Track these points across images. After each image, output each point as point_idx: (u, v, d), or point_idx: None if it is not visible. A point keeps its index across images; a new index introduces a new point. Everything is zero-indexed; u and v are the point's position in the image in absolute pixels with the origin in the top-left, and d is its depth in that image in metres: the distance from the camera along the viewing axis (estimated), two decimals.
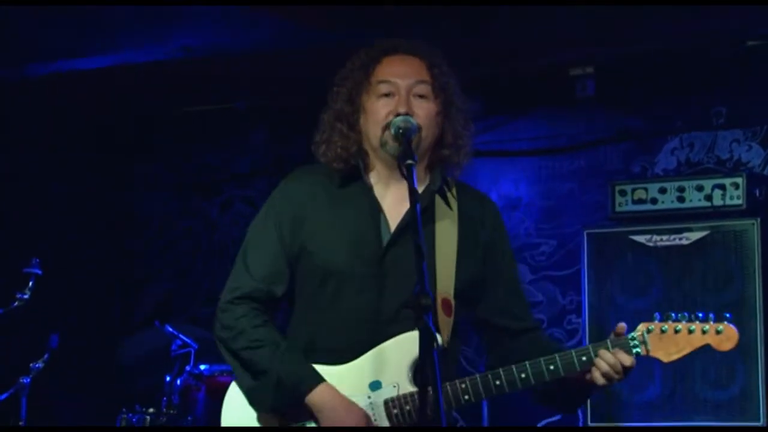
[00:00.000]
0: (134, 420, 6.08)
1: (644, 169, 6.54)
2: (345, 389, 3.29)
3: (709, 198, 5.55)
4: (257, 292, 3.40)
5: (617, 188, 5.79)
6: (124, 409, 6.14)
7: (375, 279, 3.33)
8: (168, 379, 6.14)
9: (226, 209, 7.87)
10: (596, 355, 3.29)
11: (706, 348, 3.27)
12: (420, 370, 2.89)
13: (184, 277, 7.91)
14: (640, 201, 5.72)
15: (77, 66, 6.62)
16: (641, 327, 3.30)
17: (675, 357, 3.29)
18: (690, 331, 3.28)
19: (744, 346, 5.30)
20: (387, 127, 3.34)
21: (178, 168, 8.03)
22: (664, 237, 5.54)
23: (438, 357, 3.02)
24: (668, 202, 5.65)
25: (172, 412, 6.06)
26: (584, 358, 3.29)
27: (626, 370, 3.28)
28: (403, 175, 3.16)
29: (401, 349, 3.27)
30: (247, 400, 3.36)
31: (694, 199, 5.59)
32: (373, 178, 3.47)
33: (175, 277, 7.95)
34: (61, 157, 7.62)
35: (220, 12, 6.09)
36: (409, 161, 3.16)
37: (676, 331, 3.28)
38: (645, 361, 5.37)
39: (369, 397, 3.29)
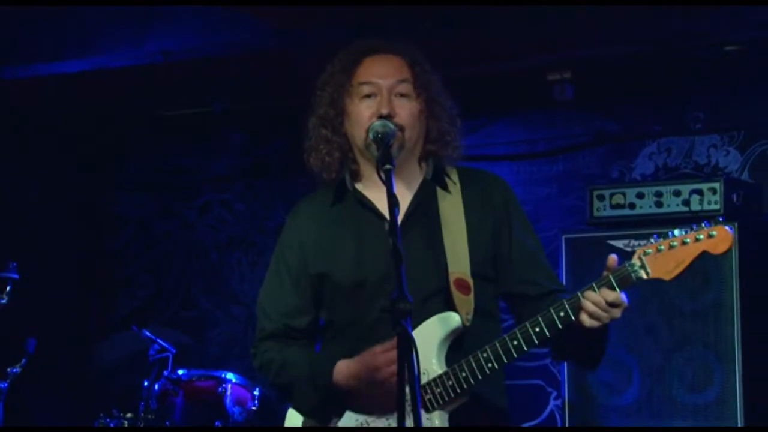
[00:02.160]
0: (112, 425, 6.06)
1: (622, 173, 6.56)
2: None
3: (686, 203, 5.55)
4: (277, 330, 3.52)
5: (595, 193, 5.79)
6: (101, 414, 6.12)
7: (388, 281, 3.29)
8: (146, 383, 6.13)
9: (204, 212, 7.86)
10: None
11: (705, 260, 3.20)
12: (399, 374, 2.91)
13: (162, 281, 7.89)
14: (618, 206, 5.72)
15: (56, 69, 6.61)
16: (638, 251, 3.25)
17: (676, 272, 3.23)
18: (684, 243, 3.22)
19: (721, 350, 5.33)
20: (368, 130, 3.35)
21: (156, 171, 8.01)
22: (642, 242, 5.53)
23: (462, 336, 3.30)
24: (646, 207, 5.66)
25: (149, 417, 6.04)
26: (576, 304, 3.28)
27: (611, 305, 3.23)
28: (381, 179, 3.18)
29: (424, 337, 3.30)
30: (304, 418, 3.46)
31: (672, 204, 5.60)
32: (366, 181, 3.50)
33: (153, 280, 7.92)
34: (38, 160, 7.59)
35: (198, 14, 6.08)
36: (387, 166, 3.19)
37: (672, 247, 3.22)
38: (622, 364, 5.46)
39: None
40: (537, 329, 3.27)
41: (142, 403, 6.08)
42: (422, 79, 3.47)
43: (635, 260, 3.25)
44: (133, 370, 6.30)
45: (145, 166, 8.05)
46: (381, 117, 3.36)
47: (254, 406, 6.06)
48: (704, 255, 3.22)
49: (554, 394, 6.49)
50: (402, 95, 3.42)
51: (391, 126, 3.33)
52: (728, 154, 6.32)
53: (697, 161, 6.40)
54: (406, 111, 3.40)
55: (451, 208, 3.47)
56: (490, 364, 3.29)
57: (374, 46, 3.52)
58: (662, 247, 3.23)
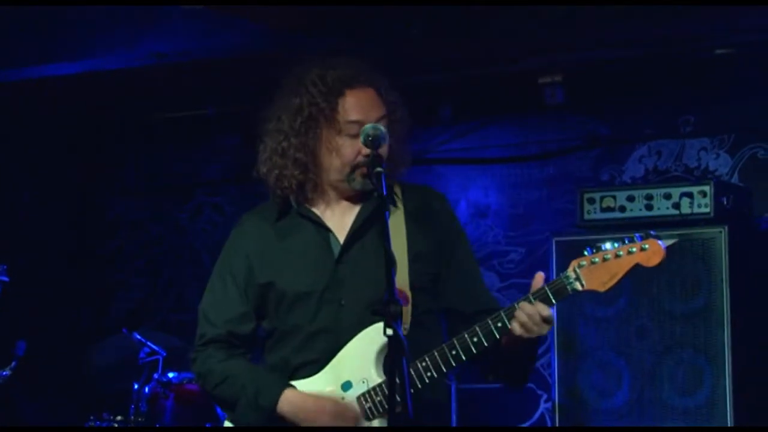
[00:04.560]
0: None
1: (612, 176, 6.57)
2: None
3: (677, 206, 5.55)
4: (220, 336, 3.55)
5: (586, 196, 5.79)
6: (92, 417, 6.12)
7: (333, 289, 3.44)
8: (136, 386, 6.13)
9: (196, 216, 7.86)
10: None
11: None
12: (388, 374, 2.98)
13: (153, 284, 7.89)
14: (609, 209, 5.72)
15: (48, 72, 6.60)
16: (573, 264, 3.31)
17: (610, 284, 3.29)
18: (618, 256, 3.27)
19: (711, 353, 5.33)
20: (357, 166, 3.41)
21: (149, 174, 8.01)
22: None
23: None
24: (636, 210, 5.66)
25: (140, 419, 6.04)
26: (513, 314, 3.33)
27: (544, 319, 3.28)
28: (372, 182, 3.25)
29: (363, 345, 3.36)
30: None
31: (662, 207, 5.60)
32: (318, 203, 3.56)
33: (145, 283, 7.92)
34: (31, 163, 7.59)
35: (191, 17, 6.08)
36: (378, 169, 3.25)
37: (605, 260, 3.27)
38: (612, 367, 5.48)
39: (343, 398, 3.39)
40: (475, 339, 3.32)
41: (133, 406, 6.08)
42: (396, 114, 3.55)
43: (570, 272, 3.30)
44: (123, 373, 6.30)
45: (137, 169, 8.05)
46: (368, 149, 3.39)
47: None
48: (637, 267, 3.28)
49: (544, 396, 6.50)
50: None
51: (382, 129, 3.37)
52: (718, 158, 6.34)
53: (687, 164, 6.41)
54: (385, 147, 3.45)
55: (393, 221, 3.49)
56: (429, 373, 3.34)
57: (354, 77, 3.54)
58: (596, 259, 3.29)
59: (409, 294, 3.43)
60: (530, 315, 3.28)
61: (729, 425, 5.26)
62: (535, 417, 6.59)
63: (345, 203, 3.52)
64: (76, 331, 7.74)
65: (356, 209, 3.53)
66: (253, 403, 3.42)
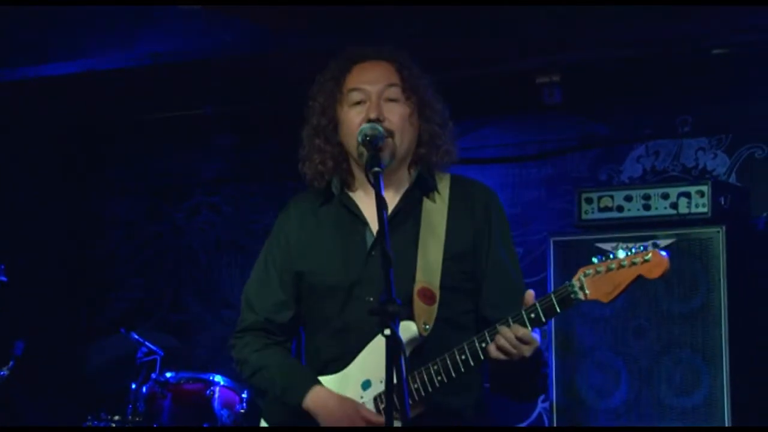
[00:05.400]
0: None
1: (610, 176, 6.57)
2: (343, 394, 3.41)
3: (674, 206, 5.55)
4: (257, 324, 3.57)
5: (584, 196, 5.79)
6: (89, 417, 6.12)
7: (362, 285, 3.42)
8: (133, 386, 6.13)
9: (193, 215, 7.85)
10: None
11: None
12: (386, 377, 2.96)
13: (151, 284, 7.88)
14: (606, 209, 5.72)
15: (43, 72, 6.59)
16: (579, 272, 3.30)
17: (614, 295, 3.29)
18: (621, 266, 3.26)
19: (709, 353, 5.33)
20: (364, 142, 3.36)
21: (146, 174, 8.01)
22: (630, 245, 5.54)
23: (422, 345, 3.30)
24: (634, 210, 5.66)
25: (137, 419, 6.04)
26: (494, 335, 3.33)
27: (520, 339, 3.26)
28: (369, 182, 3.22)
29: (382, 345, 3.30)
30: (266, 422, 3.55)
31: (660, 207, 5.60)
32: (358, 189, 3.53)
33: (142, 283, 7.91)
34: (27, 164, 7.58)
35: (188, 17, 6.08)
36: (376, 169, 3.23)
37: (609, 270, 3.27)
38: (610, 367, 5.47)
39: (362, 397, 3.39)
40: (483, 345, 3.31)
41: (130, 406, 6.08)
42: (411, 82, 3.49)
43: (575, 281, 3.29)
44: (121, 372, 6.30)
45: (134, 168, 8.04)
46: (370, 121, 3.38)
47: (242, 408, 6.07)
48: (640, 279, 3.28)
49: (542, 396, 6.50)
50: (391, 99, 3.44)
51: (380, 129, 3.35)
52: (716, 157, 6.34)
53: (685, 164, 6.41)
54: (395, 115, 3.42)
55: (434, 217, 3.49)
56: (440, 377, 3.33)
57: (363, 53, 3.55)
58: (601, 269, 3.28)
59: (437, 294, 3.40)
60: (507, 337, 3.26)
61: (726, 425, 5.26)
62: (533, 417, 6.58)
63: (388, 194, 3.41)
64: (74, 330, 7.74)
65: (394, 202, 3.48)
66: (281, 399, 3.44)
